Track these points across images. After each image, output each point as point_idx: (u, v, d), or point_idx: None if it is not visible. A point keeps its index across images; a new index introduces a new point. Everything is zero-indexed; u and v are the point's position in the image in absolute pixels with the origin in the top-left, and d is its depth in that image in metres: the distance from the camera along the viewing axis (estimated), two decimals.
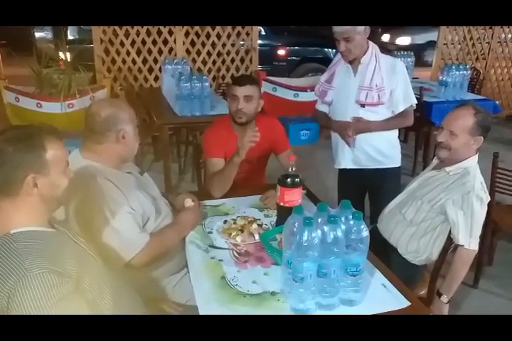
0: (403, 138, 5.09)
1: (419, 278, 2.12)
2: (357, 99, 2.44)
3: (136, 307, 1.47)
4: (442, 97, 4.24)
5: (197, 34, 5.21)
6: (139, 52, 5.08)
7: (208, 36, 5.25)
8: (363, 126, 2.46)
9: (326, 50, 6.56)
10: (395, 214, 2.14)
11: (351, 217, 1.41)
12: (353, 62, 2.44)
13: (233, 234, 1.84)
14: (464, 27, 5.94)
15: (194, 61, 5.29)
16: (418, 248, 2.05)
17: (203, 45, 5.28)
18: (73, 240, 1.33)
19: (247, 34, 5.40)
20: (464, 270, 1.90)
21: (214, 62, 5.41)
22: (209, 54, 5.35)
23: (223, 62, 5.45)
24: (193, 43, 5.24)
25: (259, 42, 5.55)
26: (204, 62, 5.38)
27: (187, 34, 5.17)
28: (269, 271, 1.64)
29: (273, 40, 6.40)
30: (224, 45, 5.37)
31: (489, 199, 1.95)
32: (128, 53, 5.04)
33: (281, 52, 6.44)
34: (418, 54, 6.91)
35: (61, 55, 4.93)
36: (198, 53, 5.31)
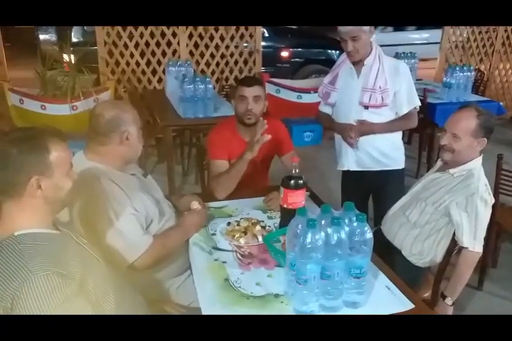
0: (407, 140, 5.07)
1: (423, 281, 2.12)
2: (360, 100, 2.43)
3: (140, 309, 1.47)
4: (446, 99, 4.24)
5: (200, 36, 5.22)
6: (142, 54, 5.09)
7: (212, 38, 5.26)
8: (366, 129, 2.45)
9: (329, 51, 6.56)
10: (398, 216, 2.14)
11: (355, 218, 1.40)
12: (357, 64, 2.44)
13: (237, 235, 1.84)
14: (468, 28, 5.93)
15: (197, 63, 5.30)
16: (422, 250, 2.04)
17: (207, 47, 5.29)
18: (77, 242, 1.33)
19: (251, 36, 5.41)
20: (469, 272, 1.89)
21: (217, 64, 5.41)
22: (212, 56, 5.35)
23: (227, 64, 5.45)
24: (196, 45, 5.25)
25: (263, 44, 5.55)
26: (207, 64, 5.38)
27: (190, 36, 5.18)
28: (272, 273, 1.63)
29: (276, 42, 6.40)
30: (227, 47, 5.37)
31: (493, 201, 1.94)
32: (132, 55, 5.05)
33: (285, 54, 6.44)
34: None
35: (65, 57, 4.96)
36: (202, 55, 5.31)
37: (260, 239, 1.82)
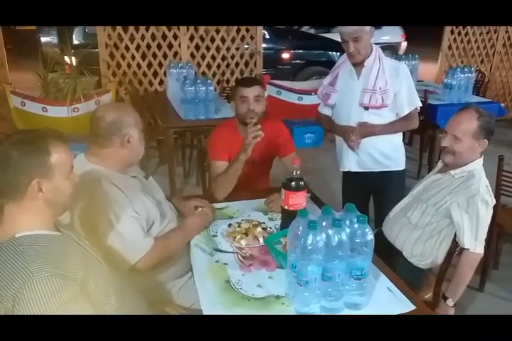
0: (408, 141, 5.08)
1: (424, 282, 2.11)
2: (360, 101, 2.43)
3: (141, 310, 1.47)
4: (447, 100, 4.24)
5: (201, 38, 5.23)
6: (144, 57, 5.10)
7: (213, 40, 5.27)
8: (367, 131, 2.45)
9: (330, 53, 6.56)
10: (400, 217, 2.14)
11: (356, 220, 1.40)
12: (357, 65, 2.44)
13: (238, 237, 1.84)
14: (469, 29, 5.93)
15: (199, 65, 5.31)
16: (423, 251, 2.04)
17: (208, 49, 5.29)
18: (78, 243, 1.33)
19: (252, 38, 5.42)
20: (470, 273, 1.89)
21: (218, 66, 5.42)
22: (213, 58, 5.36)
23: (228, 65, 5.46)
24: (197, 47, 5.26)
25: (264, 45, 5.56)
26: (209, 66, 5.39)
27: (192, 38, 5.19)
28: (273, 275, 1.64)
29: (277, 44, 6.40)
30: (228, 49, 5.38)
31: (494, 202, 1.94)
32: (133, 57, 5.06)
33: (286, 55, 6.44)
34: None
35: (66, 59, 4.96)
36: (203, 57, 5.32)
37: (261, 240, 1.82)
